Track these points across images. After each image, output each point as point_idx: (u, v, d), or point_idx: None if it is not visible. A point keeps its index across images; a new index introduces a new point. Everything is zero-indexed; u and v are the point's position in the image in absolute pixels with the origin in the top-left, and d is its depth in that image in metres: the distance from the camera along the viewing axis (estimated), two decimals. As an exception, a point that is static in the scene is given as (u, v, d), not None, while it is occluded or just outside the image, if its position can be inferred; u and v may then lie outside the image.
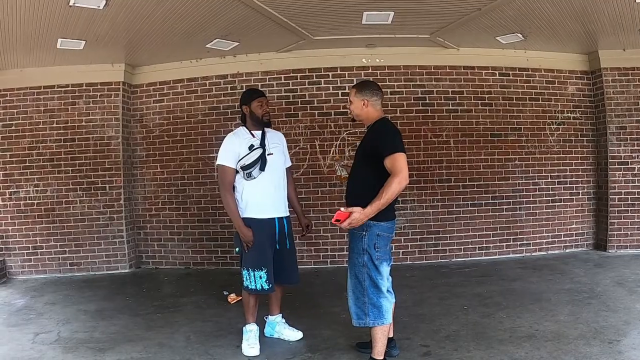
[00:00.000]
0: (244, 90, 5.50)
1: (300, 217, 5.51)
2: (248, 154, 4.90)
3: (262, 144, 5.01)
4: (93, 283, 8.17)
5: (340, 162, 5.19)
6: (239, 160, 4.89)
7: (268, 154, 4.98)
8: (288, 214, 5.24)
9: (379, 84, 8.28)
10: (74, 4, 5.82)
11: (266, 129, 5.13)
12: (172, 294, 7.38)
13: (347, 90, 8.50)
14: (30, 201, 8.82)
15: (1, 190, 8.81)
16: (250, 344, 5.03)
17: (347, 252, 4.62)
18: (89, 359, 5.00)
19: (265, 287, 4.92)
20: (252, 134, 5.05)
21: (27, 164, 8.79)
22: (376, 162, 4.22)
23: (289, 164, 5.39)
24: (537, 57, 8.96)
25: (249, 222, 4.93)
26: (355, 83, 4.93)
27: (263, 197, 4.98)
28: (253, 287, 4.93)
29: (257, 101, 5.05)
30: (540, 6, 6.68)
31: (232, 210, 4.93)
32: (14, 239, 8.81)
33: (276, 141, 5.18)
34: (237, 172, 4.95)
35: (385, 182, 4.06)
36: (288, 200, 5.30)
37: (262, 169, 4.93)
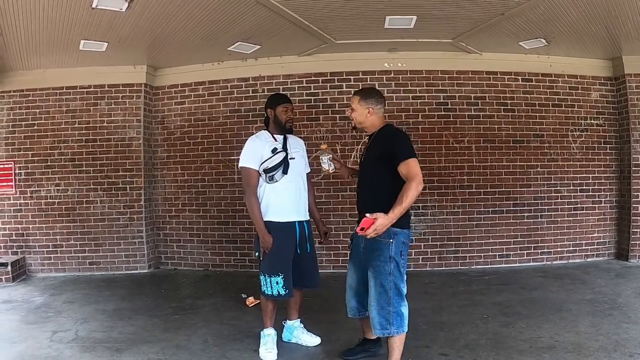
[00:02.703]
0: (272, 94, 5.48)
1: (318, 224, 5.48)
2: (271, 157, 4.90)
3: (285, 148, 5.01)
4: (112, 282, 8.20)
5: (327, 154, 4.89)
6: (262, 163, 4.89)
7: (290, 158, 4.99)
8: (309, 217, 5.23)
9: (401, 88, 8.36)
10: (96, 6, 5.86)
11: (287, 135, 5.13)
12: (190, 296, 7.38)
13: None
14: (51, 200, 8.90)
15: (23, 189, 8.90)
16: (268, 348, 5.01)
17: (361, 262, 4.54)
18: (105, 359, 5.01)
19: (282, 292, 4.90)
20: (274, 137, 5.04)
21: (49, 164, 8.88)
22: (389, 168, 4.23)
23: (309, 170, 5.36)
24: (560, 62, 8.86)
25: (270, 225, 4.92)
26: (357, 90, 4.98)
27: (285, 200, 4.97)
28: (270, 292, 4.92)
29: (283, 106, 5.06)
30: (565, 11, 6.62)
31: (256, 215, 4.91)
32: (34, 237, 8.90)
33: (297, 147, 5.17)
34: (259, 174, 4.94)
35: (404, 187, 4.07)
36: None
37: (284, 172, 4.93)
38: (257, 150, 4.93)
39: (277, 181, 4.91)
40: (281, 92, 8.38)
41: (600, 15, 6.79)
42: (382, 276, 4.31)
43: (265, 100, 5.26)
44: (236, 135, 8.68)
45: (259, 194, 4.96)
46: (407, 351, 4.76)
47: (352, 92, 4.86)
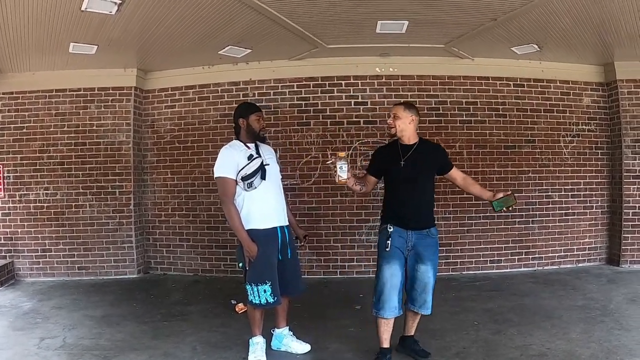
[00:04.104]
0: (241, 103, 5.47)
1: (295, 228, 5.49)
2: (248, 164, 4.88)
3: (259, 154, 5.01)
4: (101, 287, 8.16)
5: (344, 162, 4.72)
6: (240, 171, 4.85)
7: (265, 164, 4.98)
8: (288, 223, 5.22)
9: (393, 93, 8.37)
10: (86, 9, 5.82)
11: (258, 143, 5.14)
12: (179, 302, 7.35)
13: (360, 100, 8.56)
14: (40, 204, 8.83)
15: (11, 193, 8.84)
16: (257, 356, 5.00)
17: (407, 256, 4.81)
18: (93, 367, 4.97)
19: (271, 300, 4.86)
20: (247, 146, 5.04)
21: (38, 167, 8.81)
22: (434, 177, 4.98)
23: (280, 176, 5.36)
24: (552, 68, 8.88)
25: (253, 233, 4.88)
26: (398, 102, 5.30)
27: (266, 207, 4.96)
28: (258, 301, 4.88)
29: (256, 115, 5.09)
30: (557, 17, 6.62)
31: (237, 225, 4.87)
32: (23, 241, 8.84)
33: (269, 154, 5.20)
34: (236, 183, 4.90)
35: (473, 183, 5.19)
36: None
37: (263, 177, 4.92)
38: (232, 159, 4.90)
39: (256, 188, 4.88)
40: (272, 96, 8.41)
41: (593, 22, 6.80)
42: (435, 265, 4.85)
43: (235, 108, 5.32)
44: (226, 140, 8.36)
45: (237, 204, 4.93)
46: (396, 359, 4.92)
47: (394, 104, 5.05)
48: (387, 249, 4.70)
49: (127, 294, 7.80)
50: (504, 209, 4.94)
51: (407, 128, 4.79)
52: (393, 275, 4.70)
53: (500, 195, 4.89)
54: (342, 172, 4.66)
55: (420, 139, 4.91)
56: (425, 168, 4.86)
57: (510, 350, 5.15)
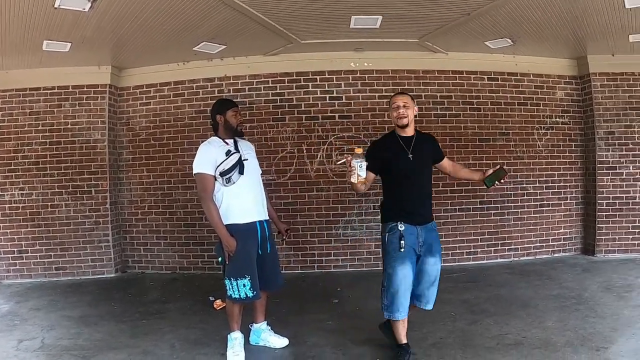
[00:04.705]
0: (217, 100, 5.45)
1: (277, 222, 5.52)
2: (226, 159, 4.88)
3: (237, 150, 5.02)
4: (79, 288, 8.10)
5: (361, 160, 4.33)
6: (218, 167, 4.86)
7: (244, 159, 4.99)
8: (268, 217, 5.23)
9: (367, 88, 8.40)
10: (59, 6, 5.78)
11: (237, 138, 5.15)
12: (157, 300, 7.32)
13: (335, 95, 8.58)
14: (15, 205, 8.74)
15: (-14, 194, 8.73)
16: (235, 351, 4.99)
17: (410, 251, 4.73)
18: (72, 367, 4.94)
19: (250, 294, 4.86)
20: (225, 142, 5.04)
21: (12, 167, 8.72)
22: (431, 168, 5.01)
23: (260, 171, 5.37)
24: (526, 61, 8.97)
25: (232, 228, 4.88)
26: (401, 92, 5.14)
27: (245, 201, 4.97)
28: (237, 295, 4.87)
29: (232, 111, 5.08)
30: (530, 12, 6.69)
31: (216, 220, 4.87)
32: (-2, 243, 8.74)
33: (248, 149, 5.20)
34: (215, 179, 4.91)
35: (461, 167, 5.30)
36: None
37: (241, 172, 4.93)
38: (211, 155, 4.90)
39: (234, 182, 4.90)
40: (247, 92, 8.41)
41: (565, 16, 6.88)
42: (441, 258, 4.91)
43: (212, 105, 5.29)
44: (202, 137, 8.54)
45: (216, 199, 4.93)
46: (375, 352, 4.98)
47: (397, 93, 5.00)
48: (402, 249, 4.61)
49: (105, 293, 7.75)
50: (497, 182, 4.93)
51: (413, 119, 4.76)
52: (406, 276, 4.65)
53: (490, 171, 4.94)
54: (362, 170, 4.30)
55: (415, 130, 4.87)
56: (427, 159, 4.90)
57: (486, 340, 5.20)
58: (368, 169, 4.43)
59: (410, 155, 4.70)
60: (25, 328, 6.14)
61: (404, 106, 4.70)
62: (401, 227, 4.64)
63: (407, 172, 4.72)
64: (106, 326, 6.14)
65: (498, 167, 4.97)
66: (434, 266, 4.76)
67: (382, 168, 4.75)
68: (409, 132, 4.78)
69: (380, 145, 4.87)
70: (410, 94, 5.03)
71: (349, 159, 4.35)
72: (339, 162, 4.73)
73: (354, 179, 4.33)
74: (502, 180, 4.94)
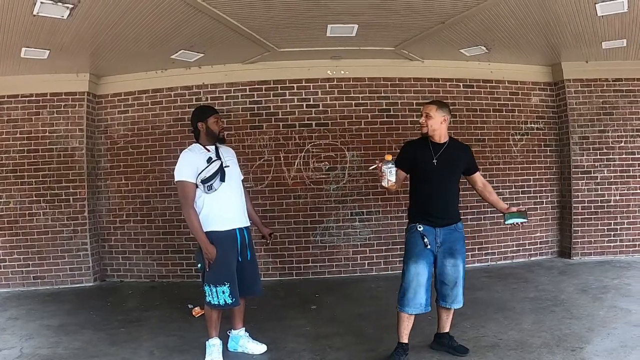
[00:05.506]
0: (197, 107, 5.47)
1: (260, 227, 5.58)
2: (207, 167, 4.90)
3: (218, 157, 5.04)
4: (57, 297, 8.05)
5: (391, 166, 4.58)
6: (199, 174, 4.88)
7: (225, 166, 5.01)
8: (249, 224, 5.26)
9: (344, 95, 8.45)
10: (37, 13, 5.76)
11: (218, 145, 5.17)
12: (136, 308, 7.31)
13: (312, 102, 8.61)
14: (-8, 213, 8.68)
15: (-37, 203, 8.66)
16: (214, 358, 5.02)
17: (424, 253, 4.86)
18: (50, 376, 4.94)
19: (229, 301, 4.89)
20: (207, 149, 5.06)
21: (-11, 176, 8.65)
22: (460, 176, 5.10)
23: (242, 177, 5.41)
24: (500, 69, 9.09)
25: (212, 235, 4.91)
26: (431, 100, 5.26)
27: (225, 209, 4.99)
28: (216, 302, 4.90)
29: (214, 117, 5.11)
30: (503, 20, 6.78)
31: (196, 228, 4.89)
32: (-24, 252, 8.67)
33: (229, 155, 5.23)
34: (196, 186, 4.93)
35: (492, 192, 5.30)
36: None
37: (222, 179, 4.95)
38: (192, 162, 4.92)
39: (215, 190, 4.92)
40: (225, 100, 8.43)
41: (538, 24, 6.98)
42: (464, 258, 5.01)
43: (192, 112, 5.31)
44: (180, 145, 8.51)
45: (197, 206, 4.94)
46: (352, 357, 5.04)
47: (427, 103, 5.11)
48: (428, 247, 4.79)
49: (83, 302, 7.72)
50: (514, 223, 5.09)
51: (439, 128, 4.87)
52: (419, 273, 4.77)
53: (514, 209, 5.07)
54: (392, 175, 4.56)
55: (450, 137, 5.00)
56: (455, 167, 4.99)
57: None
58: (398, 167, 4.77)
59: (435, 161, 4.84)
60: (4, 337, 6.10)
61: (425, 116, 4.87)
62: (420, 227, 4.85)
63: (429, 176, 4.89)
64: (85, 335, 6.12)
65: (524, 209, 5.18)
66: (454, 267, 4.88)
67: (411, 168, 4.96)
68: (438, 139, 4.92)
69: (413, 146, 5.09)
70: (441, 102, 5.11)
71: (379, 165, 4.58)
72: (371, 168, 4.78)
73: (384, 183, 4.59)
74: (519, 223, 5.10)
